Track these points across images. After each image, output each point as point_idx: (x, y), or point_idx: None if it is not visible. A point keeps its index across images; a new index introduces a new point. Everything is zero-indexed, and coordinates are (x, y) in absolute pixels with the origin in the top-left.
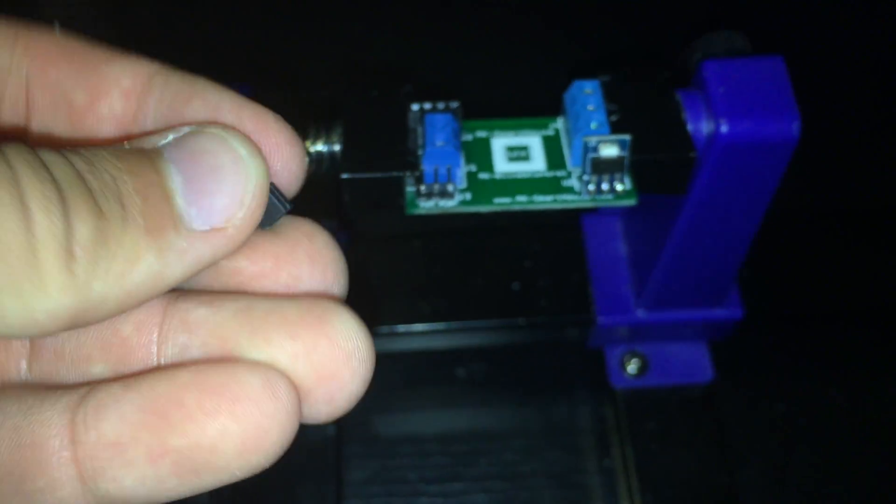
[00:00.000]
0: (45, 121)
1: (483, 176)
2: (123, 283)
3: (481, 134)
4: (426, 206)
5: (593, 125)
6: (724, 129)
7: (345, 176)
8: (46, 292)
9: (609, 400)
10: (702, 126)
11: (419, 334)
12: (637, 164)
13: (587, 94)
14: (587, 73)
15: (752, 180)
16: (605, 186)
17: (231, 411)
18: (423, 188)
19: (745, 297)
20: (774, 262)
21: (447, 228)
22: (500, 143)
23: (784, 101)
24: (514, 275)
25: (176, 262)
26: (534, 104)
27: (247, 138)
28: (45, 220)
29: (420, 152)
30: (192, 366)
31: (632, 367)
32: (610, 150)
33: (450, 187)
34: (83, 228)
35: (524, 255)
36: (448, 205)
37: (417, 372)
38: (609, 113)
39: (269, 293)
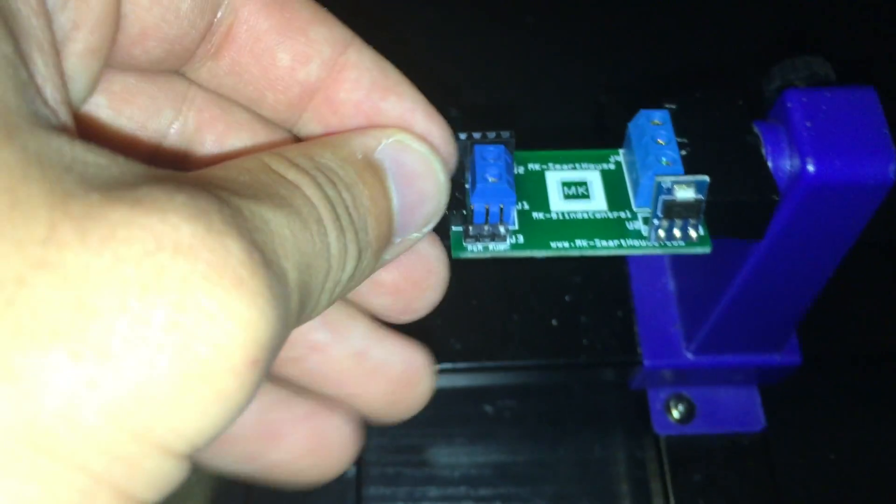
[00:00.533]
0: (240, 61)
1: (537, 215)
2: (346, 291)
3: (534, 167)
4: (474, 249)
5: (664, 161)
6: (810, 168)
7: None
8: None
9: (651, 446)
10: (783, 164)
11: (447, 372)
12: (712, 208)
13: (656, 126)
14: (649, 100)
15: (837, 224)
16: (676, 232)
17: None
18: (471, 229)
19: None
20: (830, 300)
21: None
22: (555, 178)
23: (878, 138)
24: (553, 310)
25: (377, 268)
26: (590, 134)
27: (444, 164)
28: (336, 257)
29: (468, 187)
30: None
31: (677, 412)
32: (686, 193)
33: (501, 229)
34: (350, 264)
35: (564, 288)
36: (499, 248)
37: (442, 408)
38: (680, 147)
39: None
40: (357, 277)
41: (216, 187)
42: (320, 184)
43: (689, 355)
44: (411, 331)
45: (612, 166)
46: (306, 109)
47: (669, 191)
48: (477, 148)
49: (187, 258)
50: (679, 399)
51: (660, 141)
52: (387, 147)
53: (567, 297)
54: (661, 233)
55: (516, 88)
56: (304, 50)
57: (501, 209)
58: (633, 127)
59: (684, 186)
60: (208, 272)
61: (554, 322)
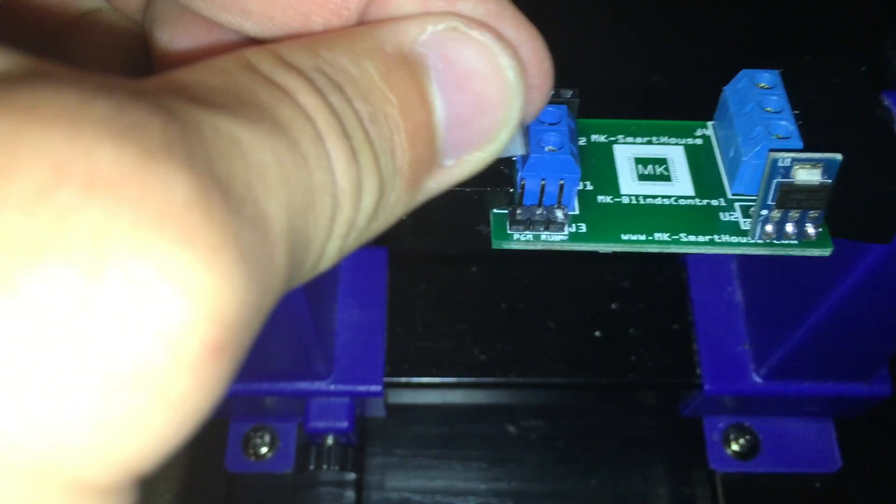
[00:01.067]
0: None
1: (603, 199)
2: (367, 236)
3: (599, 138)
4: (523, 238)
5: (777, 135)
6: None
7: None
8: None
9: (703, 483)
10: None
11: (468, 386)
12: (837, 198)
13: (763, 90)
14: (745, 63)
15: None
16: (789, 228)
17: None
18: (519, 212)
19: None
20: None
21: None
22: (626, 153)
23: None
24: (597, 319)
25: (416, 200)
26: (672, 103)
27: (515, 53)
28: (346, 193)
29: (517, 158)
30: None
31: (738, 445)
32: (810, 176)
33: (559, 213)
34: (368, 201)
35: (611, 294)
36: (554, 239)
37: (459, 425)
38: (795, 118)
39: None
40: (383, 217)
41: (171, 94)
42: (320, 88)
43: (758, 380)
44: (425, 342)
45: (699, 141)
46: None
47: (787, 171)
48: None
49: (106, 199)
50: (740, 430)
51: (769, 109)
52: (433, 37)
53: (613, 305)
54: (770, 227)
55: (590, 43)
56: None
57: (561, 187)
58: (731, 92)
59: (809, 167)
60: (140, 220)
61: (597, 333)
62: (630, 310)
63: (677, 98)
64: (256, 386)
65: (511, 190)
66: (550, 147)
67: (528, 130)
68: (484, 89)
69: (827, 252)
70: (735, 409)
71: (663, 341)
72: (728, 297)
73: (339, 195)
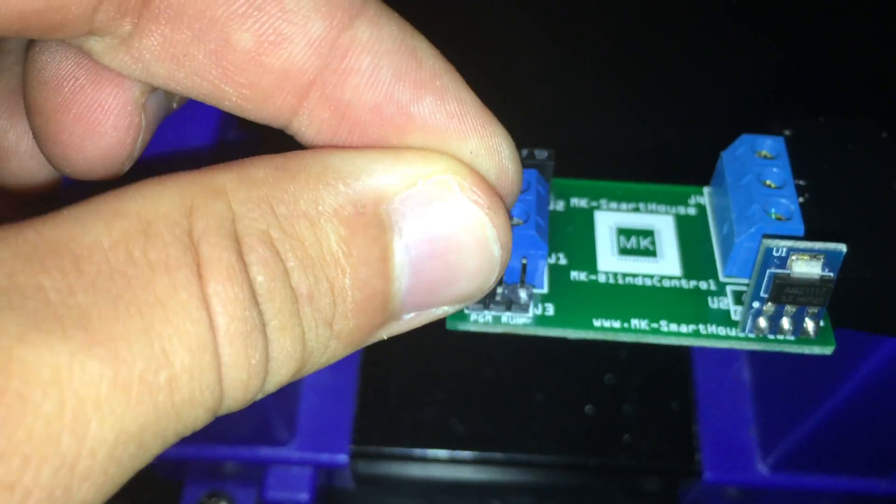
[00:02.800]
0: (176, 39)
1: (577, 276)
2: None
3: (578, 202)
4: (481, 319)
5: (775, 214)
6: None
7: None
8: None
9: None
10: None
11: (446, 462)
12: (842, 288)
13: (764, 160)
14: (753, 122)
15: None
16: (785, 324)
17: None
18: None
19: None
20: None
21: None
22: (608, 222)
23: None
24: (589, 393)
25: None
26: (663, 166)
27: (505, 222)
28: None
29: None
30: None
31: None
32: (808, 268)
33: (522, 293)
34: (280, 376)
35: (605, 365)
36: (517, 322)
37: (439, 498)
38: (798, 192)
39: None
40: (314, 369)
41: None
42: (248, 264)
43: (765, 470)
44: (399, 410)
45: (692, 210)
46: (297, 112)
47: (782, 262)
48: None
49: None
50: None
51: (769, 183)
52: (416, 195)
53: (607, 378)
54: (762, 322)
55: (570, 98)
56: (277, 24)
57: (524, 265)
58: (728, 158)
59: (807, 258)
60: None
61: (588, 409)
62: (626, 384)
63: (673, 159)
64: (211, 449)
65: None
66: (515, 220)
67: None
68: (461, 262)
69: (828, 351)
70: (739, 501)
71: (661, 421)
72: (734, 376)
73: (226, 390)
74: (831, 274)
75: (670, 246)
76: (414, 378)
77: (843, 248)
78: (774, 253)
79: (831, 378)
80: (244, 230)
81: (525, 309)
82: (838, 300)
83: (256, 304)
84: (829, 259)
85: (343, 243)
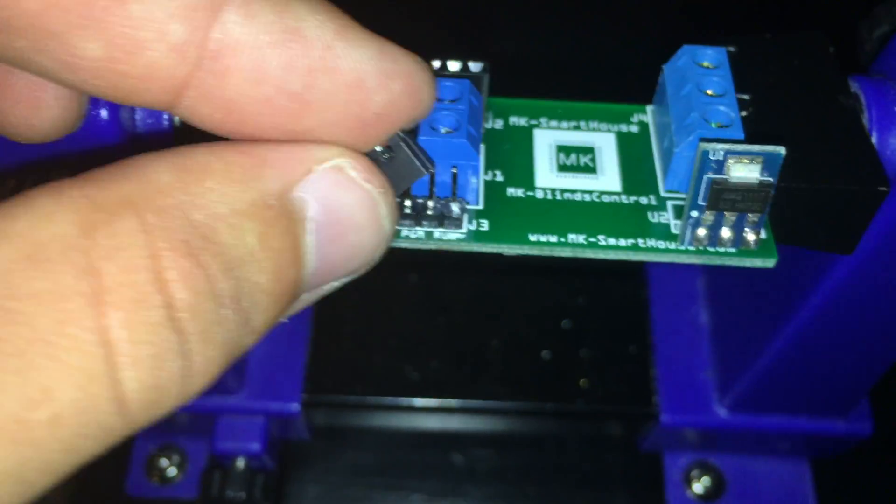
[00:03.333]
0: (27, 51)
1: (514, 192)
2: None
3: (517, 121)
4: (412, 234)
5: (715, 124)
6: None
7: None
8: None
9: None
10: (893, 139)
11: (403, 410)
12: (783, 199)
13: (706, 70)
14: (694, 39)
15: None
16: (725, 233)
17: None
18: (407, 204)
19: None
20: None
21: (455, 260)
22: (548, 140)
23: None
24: (546, 338)
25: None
26: (607, 83)
27: (392, 194)
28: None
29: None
30: None
31: (701, 485)
32: (747, 171)
33: (454, 207)
34: (199, 386)
35: (562, 310)
36: (450, 237)
37: (397, 455)
38: (741, 105)
39: None
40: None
41: None
42: (162, 269)
43: (723, 412)
44: (352, 356)
45: (634, 128)
46: (174, 107)
47: (720, 165)
48: None
49: None
50: (704, 468)
51: (709, 92)
52: (317, 180)
53: (564, 323)
54: (702, 232)
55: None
56: (126, 31)
57: (455, 175)
58: (669, 70)
59: (745, 161)
60: None
61: (545, 354)
62: (583, 328)
63: (617, 76)
64: None
65: None
66: (445, 129)
67: (419, 148)
68: (359, 240)
69: (770, 263)
70: (698, 445)
71: (618, 365)
72: (692, 319)
73: (134, 413)
74: (770, 178)
75: (611, 163)
76: (367, 324)
77: (781, 150)
78: (711, 156)
79: (783, 313)
80: (162, 244)
81: (458, 224)
82: (779, 213)
83: (174, 321)
84: (767, 162)
85: (262, 240)
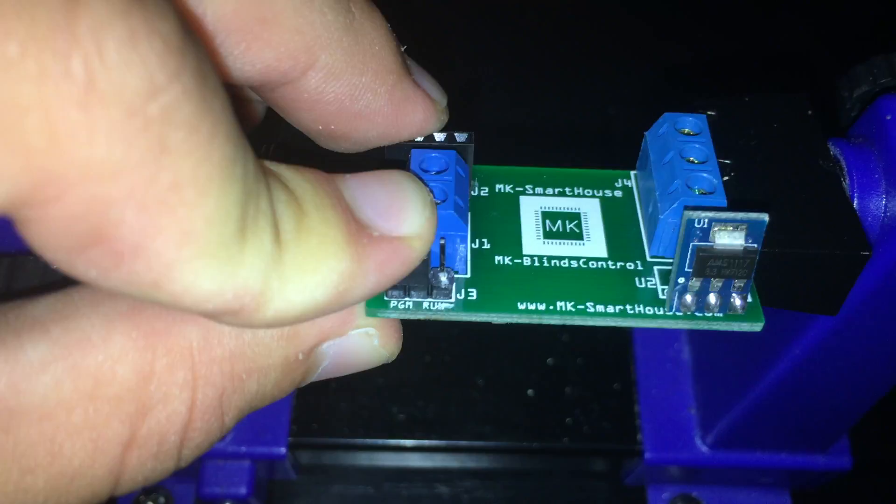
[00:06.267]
0: None
1: (501, 260)
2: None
3: (503, 188)
4: (401, 305)
5: (698, 190)
6: None
7: None
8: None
9: None
10: (874, 203)
11: (390, 450)
12: (768, 264)
13: (687, 137)
14: (675, 103)
15: None
16: (712, 299)
17: None
18: None
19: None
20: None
21: None
22: (532, 205)
23: None
24: (531, 376)
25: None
26: (590, 150)
27: (397, 344)
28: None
29: None
30: None
31: None
32: (731, 239)
33: (443, 277)
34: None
35: (547, 349)
36: (439, 307)
37: (384, 488)
38: (722, 170)
39: None
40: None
41: None
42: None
43: (705, 449)
44: (338, 398)
45: (618, 193)
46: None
47: (705, 233)
48: (414, 154)
49: None
50: (688, 501)
51: (692, 159)
52: (345, 340)
53: (549, 361)
54: (689, 298)
55: (494, 80)
56: None
57: (443, 247)
58: (651, 138)
59: (730, 229)
60: None
61: (530, 392)
62: (567, 366)
63: (600, 143)
64: None
65: None
66: (436, 199)
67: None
68: (354, 370)
69: (757, 327)
70: (681, 479)
71: (602, 403)
72: (674, 356)
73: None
74: (755, 245)
75: (596, 229)
76: None
77: (765, 217)
78: (696, 224)
79: (766, 357)
80: (199, 397)
81: (447, 294)
82: (765, 277)
83: (179, 454)
84: (752, 229)
85: (277, 384)
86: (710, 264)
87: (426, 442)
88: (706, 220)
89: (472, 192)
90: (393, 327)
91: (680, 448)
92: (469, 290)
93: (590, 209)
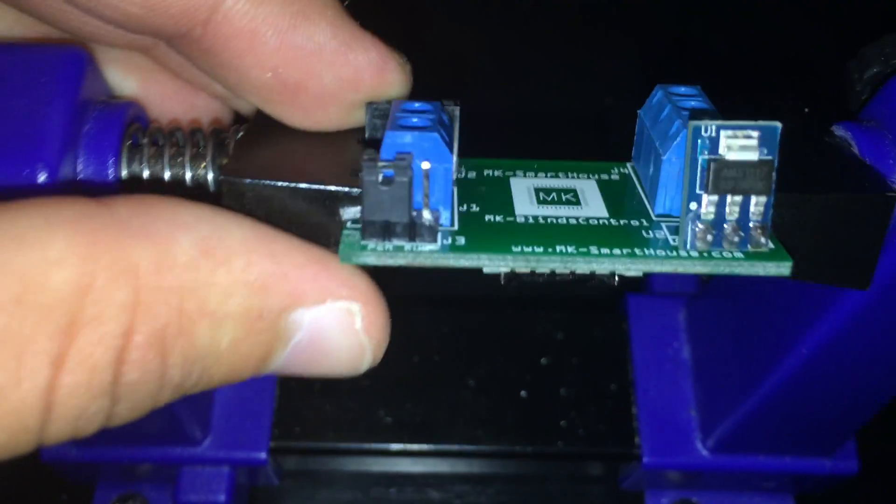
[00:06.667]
0: None
1: (492, 218)
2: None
3: (492, 173)
4: (379, 248)
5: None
6: None
7: (223, 178)
8: None
9: None
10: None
11: (377, 454)
12: (791, 216)
13: (682, 98)
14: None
15: None
16: (729, 231)
17: None
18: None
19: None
20: None
21: (428, 293)
22: (524, 184)
23: None
24: (524, 377)
25: None
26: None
27: (386, 342)
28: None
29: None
30: None
31: None
32: (743, 151)
33: (427, 216)
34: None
35: (540, 346)
36: (424, 248)
37: (373, 493)
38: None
39: None
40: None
41: None
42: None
43: (705, 452)
44: (322, 402)
45: (615, 177)
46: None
47: (714, 145)
48: (395, 103)
49: None
50: None
51: (691, 105)
52: (322, 312)
53: (543, 360)
54: (703, 228)
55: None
56: None
57: (426, 175)
58: (645, 110)
59: (741, 138)
60: None
61: (523, 393)
62: (562, 366)
63: (595, 138)
64: (121, 451)
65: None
66: (417, 123)
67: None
68: (331, 369)
69: (785, 269)
70: (681, 483)
71: (598, 405)
72: (673, 355)
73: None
74: (770, 156)
75: (595, 199)
76: None
77: (777, 124)
78: (703, 132)
79: (773, 353)
80: (138, 325)
81: (432, 235)
82: (786, 235)
83: (114, 392)
84: (764, 137)
85: (233, 345)
86: (725, 174)
87: (415, 446)
88: (714, 128)
89: (459, 175)
90: (378, 308)
91: (679, 452)
92: (457, 237)
93: (586, 186)
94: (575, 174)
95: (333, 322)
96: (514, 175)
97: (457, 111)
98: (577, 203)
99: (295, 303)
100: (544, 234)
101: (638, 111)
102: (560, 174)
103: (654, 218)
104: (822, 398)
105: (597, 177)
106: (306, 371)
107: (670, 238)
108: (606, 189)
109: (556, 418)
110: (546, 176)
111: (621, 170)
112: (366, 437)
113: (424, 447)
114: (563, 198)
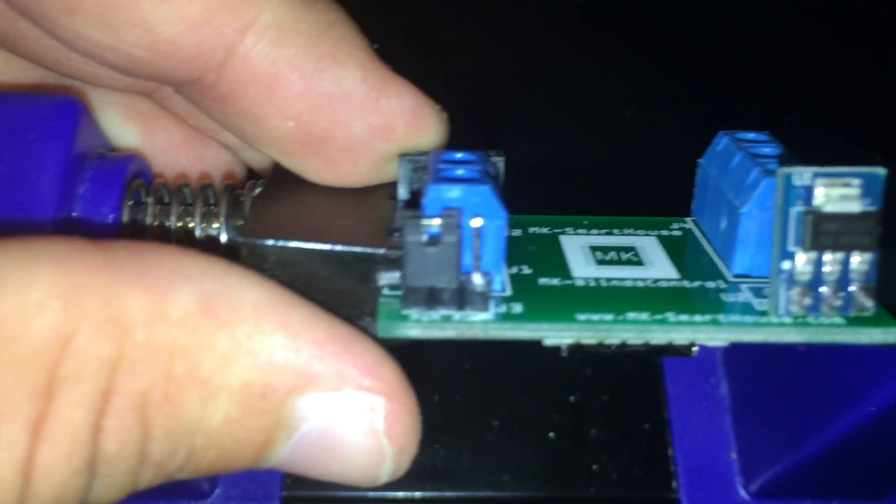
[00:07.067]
0: None
1: (548, 281)
2: None
3: (538, 230)
4: (423, 319)
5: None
6: None
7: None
8: None
9: None
10: None
11: (396, 503)
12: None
13: (751, 144)
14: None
15: None
16: (828, 291)
17: None
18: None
19: None
20: None
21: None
22: (578, 243)
23: None
24: (552, 415)
25: None
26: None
27: (413, 452)
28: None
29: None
30: None
31: None
32: (845, 202)
33: (478, 280)
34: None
35: (569, 385)
36: (474, 319)
37: None
38: None
39: None
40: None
41: None
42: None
43: (748, 497)
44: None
45: (676, 233)
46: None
47: (808, 194)
48: (432, 153)
49: None
50: None
51: (764, 155)
52: (338, 401)
53: (572, 398)
54: (799, 292)
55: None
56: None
57: (477, 234)
58: (708, 159)
59: (838, 185)
60: None
61: (551, 435)
62: (592, 404)
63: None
64: None
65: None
66: (460, 173)
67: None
68: (343, 475)
69: (892, 336)
70: None
71: (632, 446)
72: (711, 392)
73: None
74: (874, 206)
75: (658, 258)
76: None
77: (881, 171)
78: (796, 181)
79: (831, 406)
80: (120, 385)
81: (483, 303)
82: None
83: (92, 467)
84: (867, 185)
85: (227, 424)
86: (824, 229)
87: (437, 494)
88: (808, 175)
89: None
90: (406, 407)
91: (720, 497)
92: (511, 304)
93: (646, 244)
94: (631, 230)
95: (349, 416)
96: (564, 232)
97: (501, 162)
98: (640, 263)
99: (305, 385)
100: (609, 298)
101: (698, 160)
102: (614, 231)
103: (731, 279)
104: (882, 449)
105: (656, 233)
106: (312, 471)
107: (754, 302)
108: (669, 246)
109: (587, 462)
110: (599, 233)
111: (681, 225)
112: (384, 485)
113: (447, 494)
114: (623, 257)
